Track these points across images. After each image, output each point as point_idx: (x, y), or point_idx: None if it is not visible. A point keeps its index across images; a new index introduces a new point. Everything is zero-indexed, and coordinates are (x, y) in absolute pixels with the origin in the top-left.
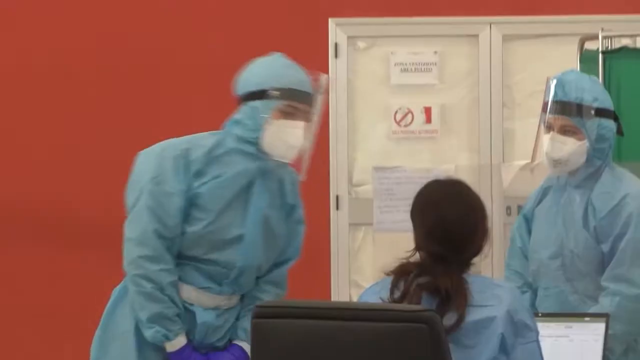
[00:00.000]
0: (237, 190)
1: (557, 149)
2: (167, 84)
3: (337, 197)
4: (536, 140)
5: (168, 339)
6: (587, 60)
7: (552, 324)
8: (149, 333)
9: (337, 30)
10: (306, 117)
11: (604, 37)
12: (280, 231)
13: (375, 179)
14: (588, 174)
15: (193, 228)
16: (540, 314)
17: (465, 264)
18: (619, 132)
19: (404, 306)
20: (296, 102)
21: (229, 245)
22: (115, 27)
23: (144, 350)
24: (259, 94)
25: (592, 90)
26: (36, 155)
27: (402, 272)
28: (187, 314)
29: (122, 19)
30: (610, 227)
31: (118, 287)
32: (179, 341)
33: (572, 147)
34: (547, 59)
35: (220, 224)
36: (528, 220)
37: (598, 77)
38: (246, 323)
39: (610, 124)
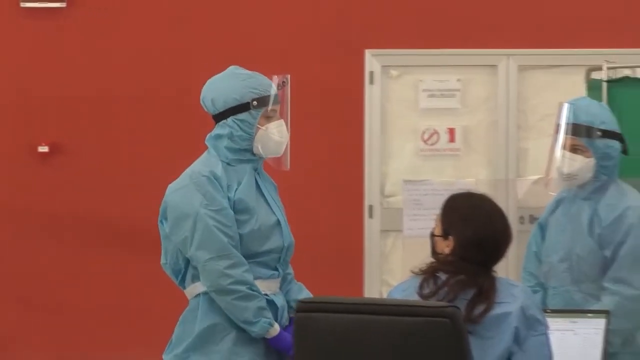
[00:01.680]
0: (255, 189)
1: (567, 164)
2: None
3: (370, 207)
4: (550, 158)
5: (272, 325)
6: (592, 88)
7: (559, 319)
8: (257, 327)
9: (372, 60)
10: (280, 113)
11: (608, 68)
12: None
13: (405, 191)
14: (595, 187)
15: (246, 229)
16: (549, 310)
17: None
18: (624, 151)
19: (430, 302)
20: (273, 105)
21: (272, 232)
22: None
23: (245, 347)
24: (242, 107)
25: (600, 115)
26: (96, 171)
27: (431, 272)
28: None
29: (156, 53)
30: (612, 235)
31: (199, 305)
32: (276, 327)
33: (580, 164)
34: (558, 87)
35: (261, 217)
36: (543, 228)
37: (604, 103)
38: (292, 300)
39: (615, 144)
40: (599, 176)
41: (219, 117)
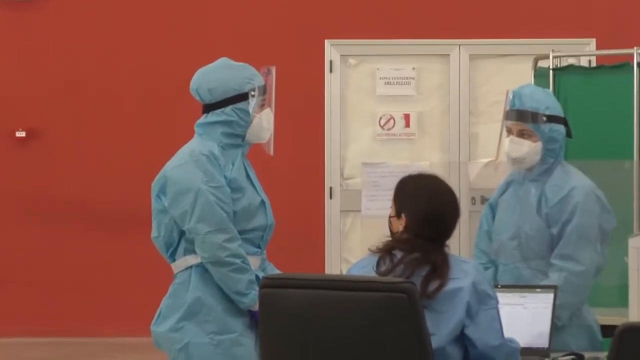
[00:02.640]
0: (244, 171)
1: (515, 149)
2: (186, 96)
3: (330, 189)
4: (499, 143)
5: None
6: (540, 76)
7: (509, 294)
8: (247, 299)
9: (331, 50)
10: (267, 102)
11: (554, 57)
12: None
13: (363, 173)
14: (542, 170)
15: (239, 206)
16: (499, 286)
17: (445, 244)
18: (568, 134)
19: (387, 278)
20: (265, 94)
21: (257, 210)
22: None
23: (234, 319)
24: (242, 97)
25: (545, 101)
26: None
27: (387, 250)
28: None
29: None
30: (559, 213)
31: (191, 276)
32: None
33: (528, 148)
34: (507, 74)
35: (250, 197)
36: (493, 208)
37: (549, 90)
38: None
39: (560, 128)
40: (545, 159)
41: (215, 105)
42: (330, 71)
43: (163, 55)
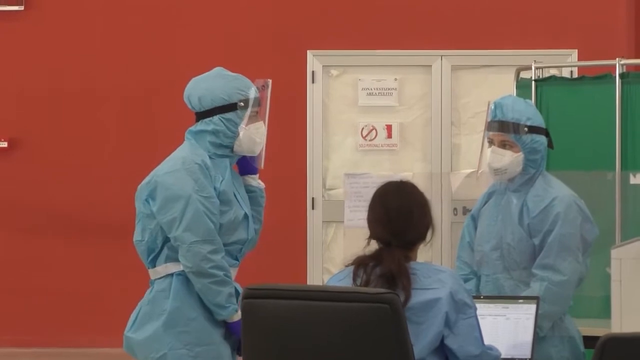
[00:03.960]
0: (231, 184)
1: (497, 160)
2: (166, 105)
3: (312, 199)
4: (481, 153)
5: (236, 311)
6: (522, 86)
7: (492, 305)
8: (226, 312)
9: (314, 60)
10: (260, 116)
11: (536, 68)
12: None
13: (346, 184)
14: (524, 180)
15: (226, 218)
16: (482, 297)
17: (409, 249)
18: (550, 145)
19: (370, 289)
20: (256, 107)
21: (240, 224)
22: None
23: (212, 330)
24: (229, 107)
25: (526, 111)
26: (63, 165)
27: (359, 263)
28: None
29: (128, 50)
30: (540, 224)
31: (172, 285)
32: (239, 313)
33: (509, 159)
34: (489, 85)
35: (235, 210)
36: (475, 219)
37: (531, 101)
38: None
39: (541, 139)
40: (527, 169)
41: (204, 114)
42: (313, 82)
43: (143, 65)
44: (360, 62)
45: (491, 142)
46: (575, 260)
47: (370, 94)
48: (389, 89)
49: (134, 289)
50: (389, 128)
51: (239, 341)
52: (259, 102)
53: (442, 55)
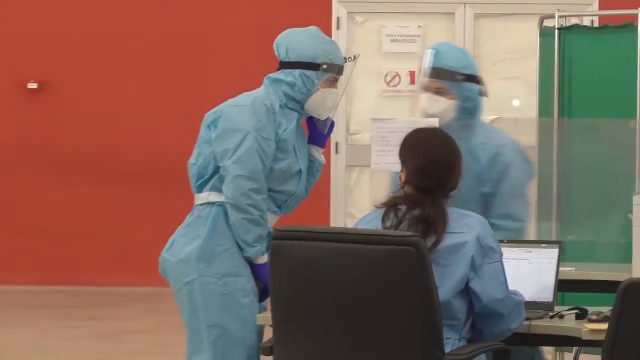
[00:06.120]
0: (294, 136)
1: (431, 106)
2: (188, 60)
3: (336, 144)
4: (415, 99)
5: (263, 254)
6: (545, 35)
7: (515, 249)
8: (252, 251)
9: (339, 7)
10: (340, 84)
11: (560, 17)
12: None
13: (373, 128)
14: (461, 127)
15: (279, 165)
16: (506, 241)
17: (445, 197)
18: (483, 93)
19: (396, 232)
20: (338, 74)
21: (292, 177)
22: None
23: (242, 264)
24: (313, 66)
25: (461, 59)
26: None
27: (391, 204)
28: None
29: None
30: (490, 172)
31: (212, 213)
32: (265, 256)
33: (443, 105)
34: (512, 33)
35: (292, 162)
36: None
37: (554, 49)
38: None
39: (474, 87)
40: (461, 117)
41: (287, 65)
42: (337, 28)
43: (174, 11)
44: (384, 9)
45: (426, 89)
46: (526, 204)
47: (394, 41)
48: (412, 35)
49: (165, 229)
50: (412, 74)
51: (263, 288)
52: (341, 71)
53: (465, 3)
